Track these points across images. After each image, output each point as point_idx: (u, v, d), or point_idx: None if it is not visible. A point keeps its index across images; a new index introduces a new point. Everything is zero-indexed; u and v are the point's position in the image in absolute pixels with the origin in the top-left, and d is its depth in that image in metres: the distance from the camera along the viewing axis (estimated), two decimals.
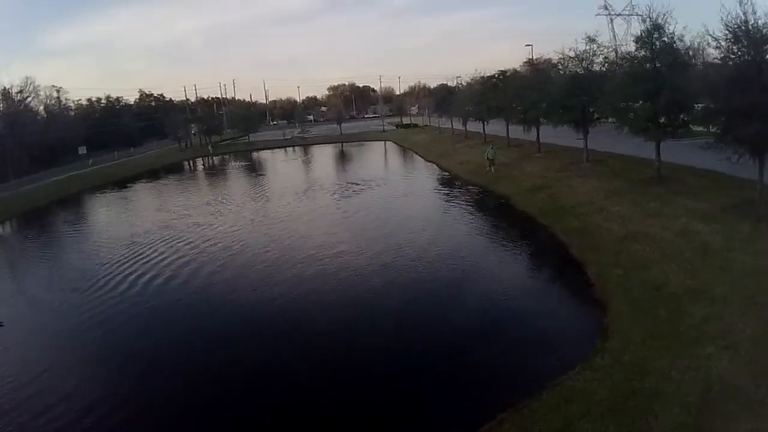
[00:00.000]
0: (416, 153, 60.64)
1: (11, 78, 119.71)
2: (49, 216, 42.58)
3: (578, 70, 29.72)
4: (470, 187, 35.55)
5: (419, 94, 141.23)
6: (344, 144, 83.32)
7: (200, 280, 20.99)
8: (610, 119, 28.35)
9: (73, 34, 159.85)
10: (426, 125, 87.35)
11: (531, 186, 30.51)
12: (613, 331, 12.69)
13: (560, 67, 32.58)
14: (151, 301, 19.00)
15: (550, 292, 17.26)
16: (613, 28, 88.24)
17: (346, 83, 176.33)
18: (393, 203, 33.77)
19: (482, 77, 48.71)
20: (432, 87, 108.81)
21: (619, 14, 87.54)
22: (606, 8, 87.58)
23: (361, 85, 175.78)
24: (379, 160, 63.22)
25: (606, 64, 28.09)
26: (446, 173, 44.02)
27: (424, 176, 45.60)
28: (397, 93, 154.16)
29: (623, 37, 72.20)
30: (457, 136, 60.30)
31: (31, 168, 62.47)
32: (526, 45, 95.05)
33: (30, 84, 76.17)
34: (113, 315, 17.90)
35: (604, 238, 19.54)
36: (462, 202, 31.87)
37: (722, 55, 16.15)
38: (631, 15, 75.81)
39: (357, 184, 40.79)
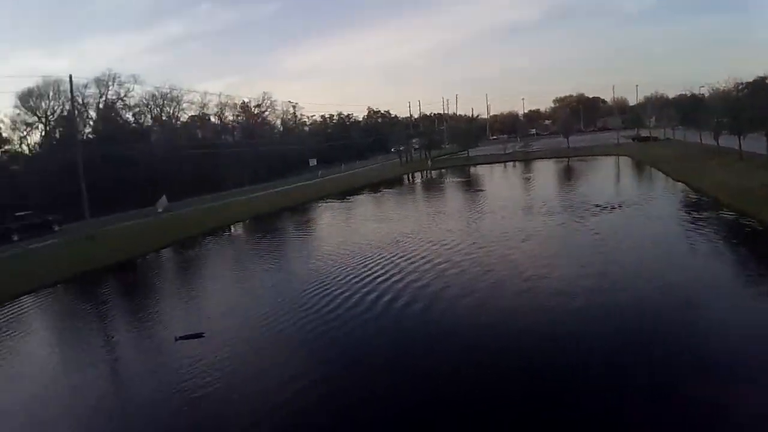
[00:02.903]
0: (659, 170, 50.09)
1: (251, 94, 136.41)
2: (276, 221, 44.59)
3: None
4: (741, 219, 25.86)
5: (657, 104, 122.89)
6: (571, 159, 74.72)
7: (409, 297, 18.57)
8: None
9: (310, 57, 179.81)
10: (668, 138, 78.71)
11: None
12: None
13: None
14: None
15: None
16: None
17: (574, 94, 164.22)
18: (647, 230, 26.07)
19: (739, 84, 38.83)
20: (671, 96, 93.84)
21: None
22: None
23: (589, 96, 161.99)
24: (614, 178, 53.99)
25: None
26: (700, 195, 34.27)
27: (674, 198, 35.91)
28: (631, 104, 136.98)
29: None
30: (706, 152, 52.19)
31: (265, 176, 68.74)
32: None
33: (267, 99, 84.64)
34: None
35: None
36: (731, 236, 23.71)
37: None
38: None
39: (597, 205, 33.47)
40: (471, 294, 18.78)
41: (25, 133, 59.50)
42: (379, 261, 24.97)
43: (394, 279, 21.66)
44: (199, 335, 17.30)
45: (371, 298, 19.48)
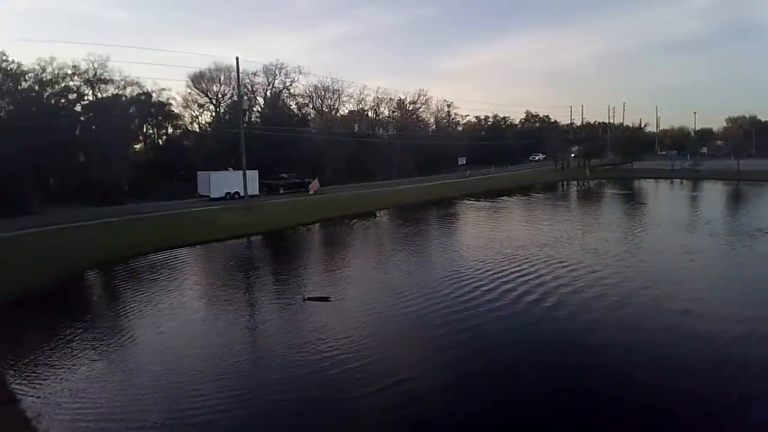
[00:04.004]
0: None
1: (406, 92, 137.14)
2: (419, 212, 44.53)
3: None
4: None
5: None
6: (740, 182, 64.02)
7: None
8: None
9: (468, 59, 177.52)
10: None
11: None
12: None
13: None
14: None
15: None
16: None
17: (747, 116, 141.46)
18: None
19: None
20: None
21: None
22: None
23: (762, 120, 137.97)
24: None
25: None
26: None
27: None
28: None
29: None
30: None
31: (414, 171, 69.11)
32: None
33: (422, 96, 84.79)
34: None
35: None
36: None
37: None
38: None
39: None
40: (625, 307, 16.38)
41: (197, 113, 66.57)
42: (524, 260, 23.27)
43: (538, 280, 19.93)
44: (325, 299, 18.11)
45: (512, 296, 18.00)
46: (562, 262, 22.77)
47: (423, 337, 14.88)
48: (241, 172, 43.04)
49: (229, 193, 46.47)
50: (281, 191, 51.25)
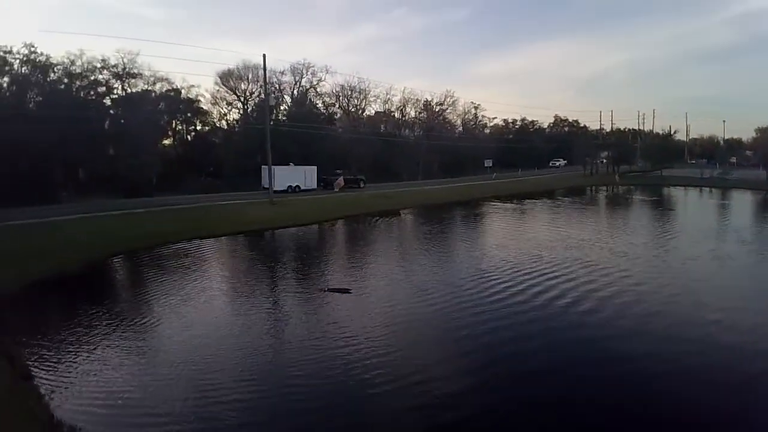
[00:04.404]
0: None
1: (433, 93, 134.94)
2: (444, 212, 43.93)
3: None
4: None
5: None
6: None
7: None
8: None
9: (496, 62, 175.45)
10: None
11: None
12: None
13: None
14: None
15: None
16: None
17: None
18: None
19: None
20: None
21: None
22: None
23: None
24: None
25: None
26: None
27: None
28: None
29: None
30: None
31: (440, 172, 68.58)
32: None
33: (449, 97, 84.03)
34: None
35: None
36: None
37: None
38: None
39: None
40: (654, 320, 15.32)
41: (225, 111, 66.98)
42: (549, 261, 22.70)
43: (563, 279, 19.45)
44: (346, 290, 18.08)
45: (533, 293, 17.60)
46: (582, 263, 22.24)
47: (444, 338, 14.41)
48: (302, 167, 51.22)
49: (290, 186, 50.29)
50: (335, 189, 53.71)
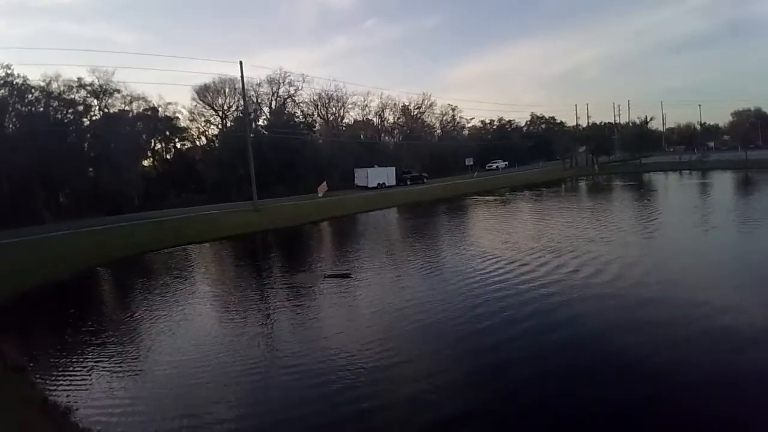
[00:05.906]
0: None
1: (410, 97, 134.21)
2: (428, 209, 44.56)
3: None
4: None
5: None
6: (749, 170, 63.30)
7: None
8: None
9: (470, 66, 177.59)
10: None
11: None
12: None
13: None
14: None
15: None
16: None
17: (752, 108, 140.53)
18: None
19: None
20: None
21: None
22: None
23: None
24: None
25: None
26: None
27: None
28: None
29: None
30: None
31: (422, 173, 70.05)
32: None
33: (426, 101, 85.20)
34: None
35: None
36: None
37: None
38: None
39: None
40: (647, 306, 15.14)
41: (204, 128, 66.92)
42: (533, 249, 22.88)
43: (548, 265, 19.84)
44: (346, 275, 18.38)
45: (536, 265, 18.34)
46: (560, 249, 23.51)
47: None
48: (385, 168, 63.33)
49: (379, 183, 61.12)
50: (408, 183, 64.53)
